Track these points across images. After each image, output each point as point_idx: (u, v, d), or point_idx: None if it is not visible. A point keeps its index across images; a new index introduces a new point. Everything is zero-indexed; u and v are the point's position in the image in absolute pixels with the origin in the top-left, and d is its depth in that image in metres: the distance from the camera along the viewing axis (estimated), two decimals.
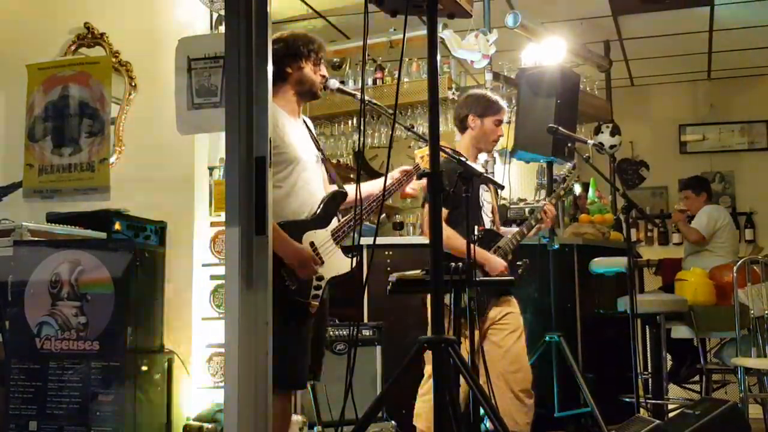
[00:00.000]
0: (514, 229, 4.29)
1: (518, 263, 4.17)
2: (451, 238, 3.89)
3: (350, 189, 3.57)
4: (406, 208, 7.16)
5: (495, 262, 4.05)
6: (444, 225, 3.87)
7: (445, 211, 3.90)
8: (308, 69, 3.45)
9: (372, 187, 3.59)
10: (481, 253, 4.01)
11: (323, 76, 3.52)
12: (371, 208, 3.49)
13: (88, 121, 3.99)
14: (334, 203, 3.43)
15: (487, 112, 4.19)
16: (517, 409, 3.97)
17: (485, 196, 4.23)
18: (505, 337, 4.05)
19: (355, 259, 3.35)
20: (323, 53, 3.53)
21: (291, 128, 3.41)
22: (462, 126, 4.27)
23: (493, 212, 4.29)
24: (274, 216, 3.18)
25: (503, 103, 4.28)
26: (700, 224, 6.78)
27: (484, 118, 4.18)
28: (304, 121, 3.59)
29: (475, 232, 4.04)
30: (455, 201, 3.89)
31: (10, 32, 5.19)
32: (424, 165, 3.60)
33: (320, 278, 3.32)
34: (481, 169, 4.24)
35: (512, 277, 3.98)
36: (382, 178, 3.52)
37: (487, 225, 4.17)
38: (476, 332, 3.98)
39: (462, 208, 4.01)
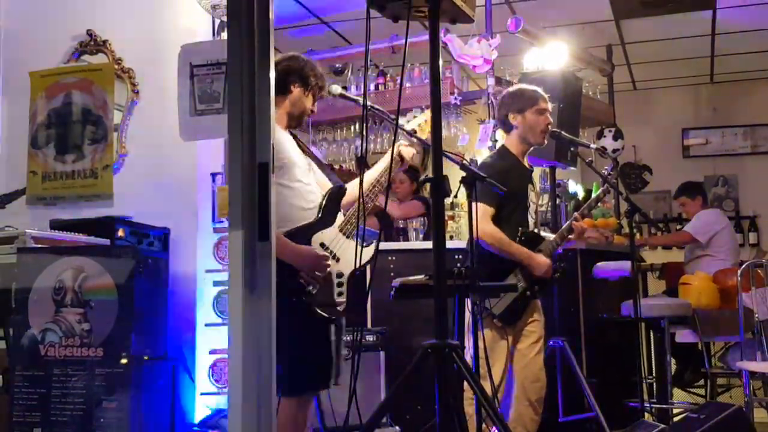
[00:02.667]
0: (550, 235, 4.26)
1: (554, 267, 4.15)
2: (505, 242, 3.93)
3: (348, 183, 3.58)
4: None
5: (538, 262, 4.03)
6: (495, 228, 3.90)
7: (492, 210, 3.92)
8: (308, 98, 3.49)
9: (370, 175, 3.55)
10: (524, 253, 4.01)
11: (312, 111, 3.54)
12: (374, 195, 3.48)
13: (91, 128, 4.01)
14: (334, 200, 3.43)
15: (525, 106, 4.12)
16: (531, 417, 4.00)
17: (531, 196, 4.20)
18: (530, 347, 4.06)
19: (371, 247, 3.34)
20: (324, 93, 3.57)
21: (283, 137, 3.43)
22: (506, 127, 4.21)
23: (535, 213, 4.28)
24: (282, 222, 3.19)
25: (540, 91, 4.19)
26: (690, 226, 6.80)
27: (525, 112, 4.11)
28: (290, 132, 3.61)
29: (518, 234, 4.05)
30: (504, 199, 3.89)
31: (14, 39, 5.21)
32: (421, 134, 3.58)
33: (340, 275, 3.31)
34: (529, 167, 4.25)
35: (513, 283, 3.97)
36: (377, 165, 3.53)
37: (531, 227, 4.14)
38: (510, 337, 4.00)
39: (511, 207, 4.02)
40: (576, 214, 4.27)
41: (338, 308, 3.30)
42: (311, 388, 3.36)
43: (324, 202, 3.39)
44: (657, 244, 7.21)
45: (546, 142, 4.22)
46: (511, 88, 4.47)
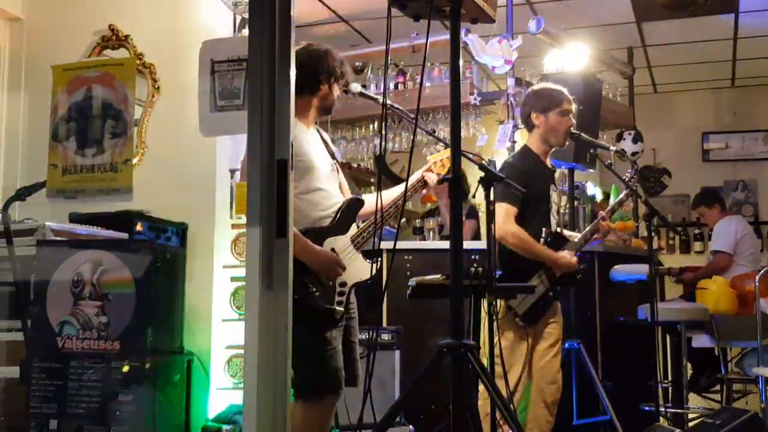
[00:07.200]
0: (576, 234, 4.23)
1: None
2: (529, 242, 3.91)
3: (367, 197, 3.59)
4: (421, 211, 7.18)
5: (563, 261, 4.00)
6: (520, 228, 3.88)
7: (515, 210, 3.90)
8: (336, 89, 3.52)
9: (390, 194, 3.58)
10: (548, 254, 3.99)
11: (336, 97, 3.58)
12: (390, 214, 3.50)
13: (112, 122, 4.01)
14: (351, 210, 3.44)
15: (549, 106, 4.09)
16: (546, 419, 4.01)
17: (554, 196, 4.17)
18: (548, 348, 4.06)
19: (375, 264, 3.34)
20: (345, 78, 3.59)
21: (306, 137, 3.44)
22: (528, 125, 4.17)
23: (558, 213, 4.26)
24: (296, 224, 3.20)
25: (565, 92, 4.15)
26: (720, 242, 6.72)
27: (548, 113, 4.08)
28: (318, 131, 3.61)
29: (542, 234, 4.02)
30: (526, 200, 3.87)
31: (36, 33, 5.25)
32: (438, 171, 3.59)
33: (343, 284, 3.32)
34: (551, 168, 4.23)
35: (532, 284, 3.96)
36: (399, 186, 3.54)
37: (553, 227, 4.11)
38: (530, 339, 4.00)
39: (533, 207, 4.00)
40: (603, 213, 4.24)
41: (335, 316, 3.29)
42: (312, 392, 3.28)
43: (341, 211, 3.40)
44: (696, 279, 7.07)
45: (567, 143, 4.20)
46: (535, 86, 4.41)
